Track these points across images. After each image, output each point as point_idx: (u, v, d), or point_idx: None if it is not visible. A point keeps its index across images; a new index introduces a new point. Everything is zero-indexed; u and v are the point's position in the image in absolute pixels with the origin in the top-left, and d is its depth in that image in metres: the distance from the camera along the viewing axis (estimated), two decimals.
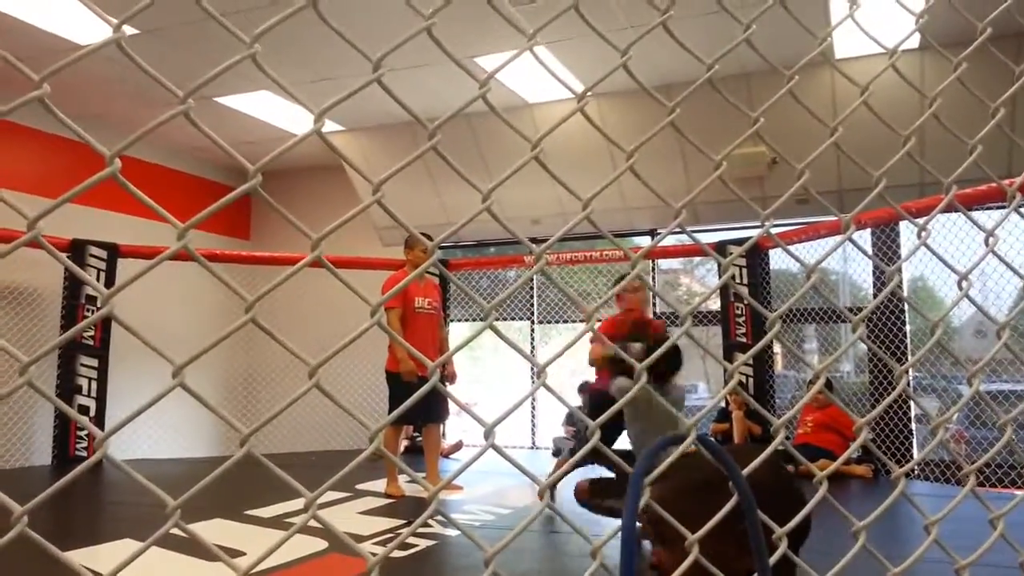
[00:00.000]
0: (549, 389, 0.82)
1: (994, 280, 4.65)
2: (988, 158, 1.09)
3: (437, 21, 0.74)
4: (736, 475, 0.77)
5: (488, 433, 0.76)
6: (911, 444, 6.39)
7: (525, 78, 6.55)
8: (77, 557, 0.61)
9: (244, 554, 3.26)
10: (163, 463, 6.45)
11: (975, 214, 1.11)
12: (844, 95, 6.06)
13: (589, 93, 0.87)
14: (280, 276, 0.75)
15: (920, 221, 1.02)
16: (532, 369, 8.60)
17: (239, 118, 7.51)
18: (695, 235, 0.97)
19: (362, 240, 8.47)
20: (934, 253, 1.03)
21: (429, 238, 4.09)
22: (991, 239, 0.98)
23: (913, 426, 6.53)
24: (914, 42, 5.18)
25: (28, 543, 0.57)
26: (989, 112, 1.03)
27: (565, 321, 8.55)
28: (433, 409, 5.03)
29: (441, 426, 8.00)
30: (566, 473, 0.78)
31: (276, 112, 7.48)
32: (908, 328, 6.68)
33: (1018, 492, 4.88)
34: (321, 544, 3.54)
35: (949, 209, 1.00)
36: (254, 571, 0.63)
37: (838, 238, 1.16)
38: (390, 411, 5.02)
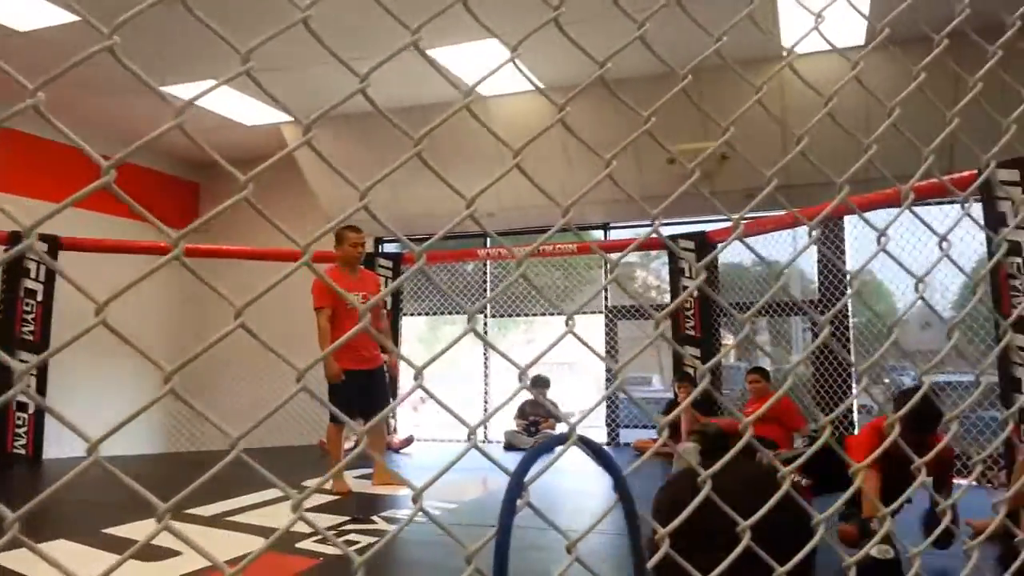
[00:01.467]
0: (531, 390, 0.82)
1: (942, 273, 4.82)
2: (903, 159, 1.13)
3: (313, 13, 0.73)
4: (619, 475, 0.77)
5: (470, 434, 0.77)
6: (853, 434, 6.58)
7: (478, 72, 6.52)
8: (7, 561, 0.58)
9: (180, 554, 3.18)
10: (105, 460, 6.25)
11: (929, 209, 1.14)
12: (792, 90, 6.18)
13: (523, 87, 0.87)
14: (223, 267, 0.73)
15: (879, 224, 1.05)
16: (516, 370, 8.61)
17: (190, 109, 7.33)
18: (642, 228, 0.98)
19: (312, 231, 8.33)
20: (893, 258, 1.06)
21: (357, 230, 4.16)
22: (945, 243, 1.01)
23: (856, 417, 6.73)
24: (859, 38, 5.31)
25: None
26: (947, 115, 1.06)
27: (522, 315, 8.57)
28: (375, 402, 4.95)
29: (392, 421, 7.97)
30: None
31: (223, 101, 7.32)
32: (852, 320, 6.87)
33: (962, 481, 5.07)
34: (256, 542, 3.43)
35: (890, 203, 1.02)
36: (190, 572, 0.61)
37: (787, 232, 1.20)
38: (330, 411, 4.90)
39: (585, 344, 0.91)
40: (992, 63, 1.08)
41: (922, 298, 1.00)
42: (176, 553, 3.21)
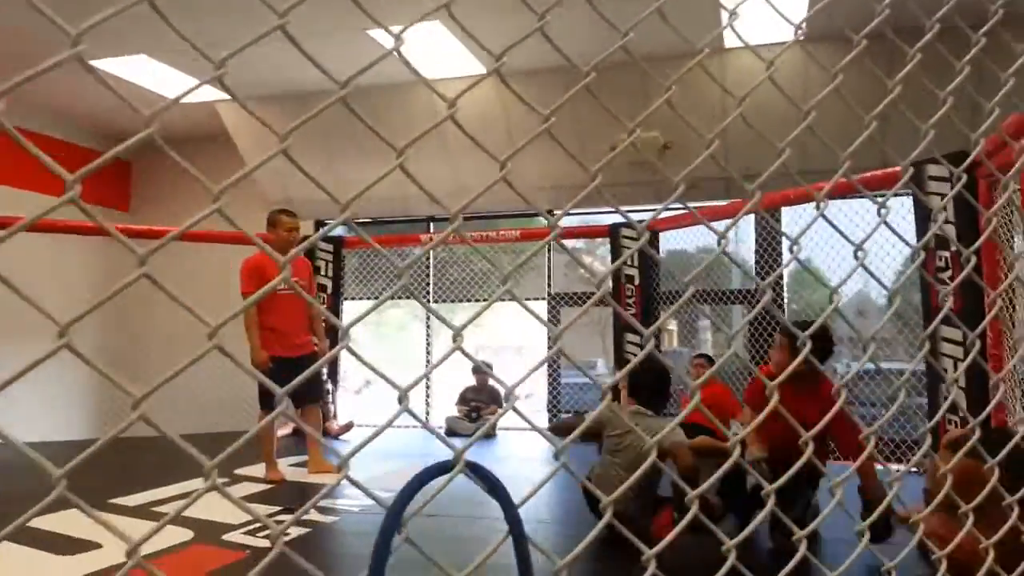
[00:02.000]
0: (465, 352, 0.80)
1: (874, 263, 4.99)
2: (862, 153, 1.16)
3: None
4: (509, 503, 0.75)
5: (401, 397, 0.73)
6: None
7: (422, 54, 6.45)
8: None
9: (100, 547, 3.03)
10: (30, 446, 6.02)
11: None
12: (734, 83, 6.29)
13: (474, 71, 0.86)
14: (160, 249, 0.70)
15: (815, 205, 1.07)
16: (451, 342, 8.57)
17: (115, 82, 7.04)
18: (589, 215, 0.98)
19: (253, 216, 8.14)
20: (832, 224, 1.08)
21: (291, 214, 4.11)
22: (860, 252, 1.04)
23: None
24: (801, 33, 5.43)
25: None
26: (864, 118, 1.09)
27: (466, 300, 8.55)
28: (307, 388, 4.83)
29: (331, 407, 7.87)
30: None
31: (154, 77, 7.07)
32: (787, 307, 7.07)
33: (897, 466, 5.29)
34: (186, 535, 3.36)
35: (840, 192, 1.05)
36: (111, 565, 0.59)
37: (727, 222, 1.22)
38: (259, 395, 4.83)
39: (522, 304, 0.90)
40: (911, 66, 1.12)
41: (863, 265, 1.03)
42: (97, 545, 3.07)
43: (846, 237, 1.06)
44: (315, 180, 0.75)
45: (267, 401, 4.75)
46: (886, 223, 1.07)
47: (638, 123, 0.91)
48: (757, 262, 7.05)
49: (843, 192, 4.32)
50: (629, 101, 0.84)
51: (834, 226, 1.10)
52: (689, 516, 0.82)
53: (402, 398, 0.71)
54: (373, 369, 0.81)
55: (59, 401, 7.09)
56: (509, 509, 0.72)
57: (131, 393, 0.58)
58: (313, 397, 5.16)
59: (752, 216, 6.63)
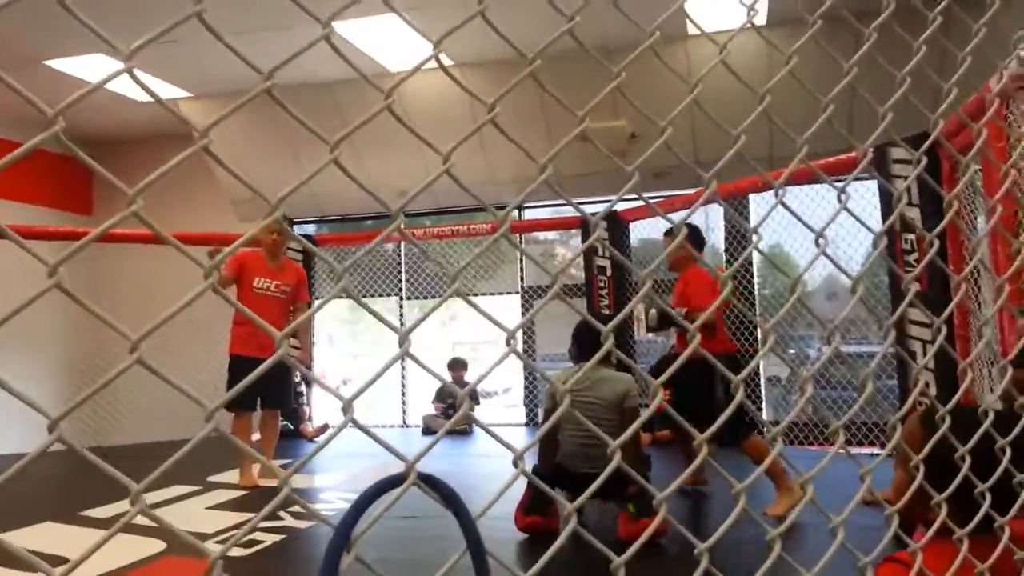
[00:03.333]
0: (412, 358, 0.76)
1: (843, 247, 5.06)
2: (831, 137, 1.16)
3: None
4: (466, 517, 0.72)
5: (346, 408, 0.69)
6: (760, 406, 6.87)
7: (386, 47, 6.39)
8: None
9: (68, 560, 2.91)
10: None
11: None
12: (699, 69, 6.30)
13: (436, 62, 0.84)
14: (119, 254, 0.68)
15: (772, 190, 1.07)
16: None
17: (71, 82, 6.88)
18: (556, 207, 0.97)
19: (216, 214, 8.03)
20: (791, 212, 1.08)
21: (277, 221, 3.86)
22: (821, 240, 1.05)
23: (763, 390, 7.02)
24: (762, 19, 5.47)
25: None
26: (818, 105, 1.10)
27: (437, 296, 8.51)
28: (271, 393, 4.80)
29: (306, 409, 7.78)
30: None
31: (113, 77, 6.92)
32: (758, 292, 7.14)
33: (864, 449, 5.37)
34: (158, 545, 3.27)
35: (800, 178, 1.05)
36: (89, 574, 0.57)
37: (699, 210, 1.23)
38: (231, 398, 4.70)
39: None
40: (867, 47, 1.12)
41: (824, 253, 1.04)
42: (65, 559, 2.93)
43: (807, 225, 1.07)
44: (237, 174, 0.73)
45: (236, 402, 4.60)
46: (847, 209, 1.07)
47: (586, 112, 0.90)
48: (727, 250, 7.12)
49: (809, 178, 4.37)
50: (597, 89, 0.83)
51: (794, 214, 1.11)
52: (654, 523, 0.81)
53: (346, 409, 0.68)
54: (315, 379, 0.79)
55: (29, 411, 6.93)
56: (467, 524, 0.68)
57: (47, 415, 0.56)
58: (273, 402, 5.01)
59: (721, 205, 6.67)
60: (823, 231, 1.04)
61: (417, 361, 0.72)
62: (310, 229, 9.05)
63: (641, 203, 7.15)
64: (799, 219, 1.10)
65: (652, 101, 1.02)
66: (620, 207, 7.46)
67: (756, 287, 7.14)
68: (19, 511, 4.05)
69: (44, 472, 4.78)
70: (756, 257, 6.85)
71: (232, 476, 4.94)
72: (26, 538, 3.55)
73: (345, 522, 0.61)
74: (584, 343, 4.00)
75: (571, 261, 8.70)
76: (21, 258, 0.63)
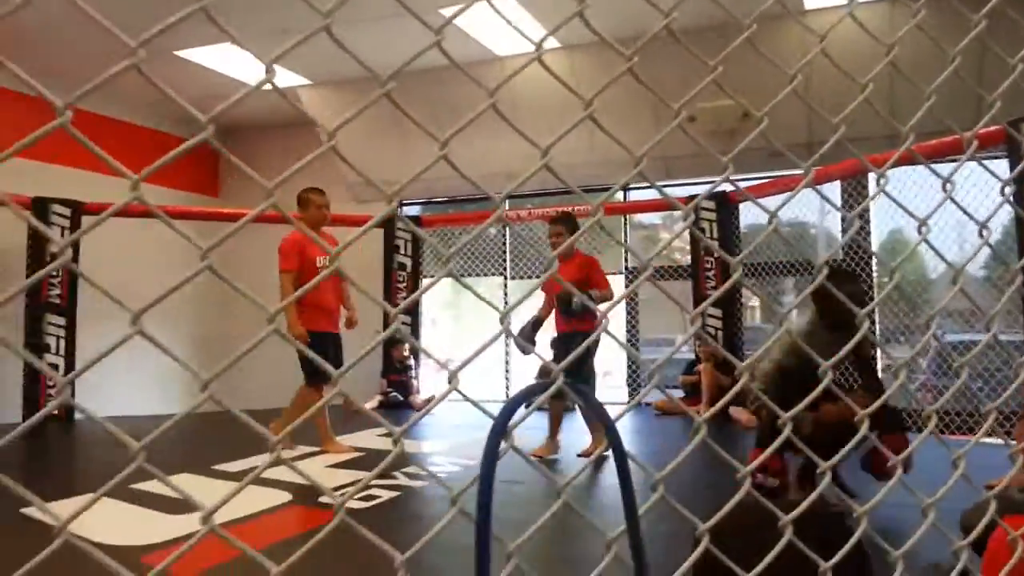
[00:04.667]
0: (512, 335, 0.81)
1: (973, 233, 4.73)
2: (954, 109, 1.10)
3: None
4: (605, 417, 0.77)
5: (451, 378, 0.76)
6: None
7: (494, 31, 6.45)
8: (40, 514, 0.61)
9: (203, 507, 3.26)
10: (134, 419, 6.43)
11: (942, 166, 1.12)
12: (815, 45, 6.01)
13: (546, 44, 0.85)
14: (241, 231, 0.74)
15: (880, 171, 1.03)
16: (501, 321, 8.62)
17: (200, 71, 7.31)
18: (664, 188, 0.98)
19: (333, 196, 8.34)
20: (893, 199, 1.04)
21: (321, 192, 4.19)
22: (948, 185, 1.00)
23: (880, 376, 6.69)
24: None
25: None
26: (948, 61, 1.04)
27: (540, 276, 8.56)
28: (338, 367, 4.95)
29: (414, 382, 8.04)
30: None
31: (238, 65, 7.30)
32: (876, 281, 6.79)
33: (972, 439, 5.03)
34: (284, 496, 3.58)
35: (907, 160, 1.01)
36: (222, 519, 0.63)
37: (807, 190, 1.19)
38: (302, 368, 4.87)
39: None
40: (976, 32, 1.05)
41: (926, 240, 0.99)
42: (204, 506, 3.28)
43: (908, 212, 1.02)
44: (354, 167, 0.76)
45: (317, 375, 4.86)
46: (952, 199, 1.02)
47: (685, 102, 0.89)
48: (844, 231, 6.79)
49: (936, 154, 4.09)
50: (702, 71, 0.82)
51: (896, 201, 1.06)
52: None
53: (451, 379, 0.75)
54: (423, 350, 0.83)
55: (166, 377, 7.49)
56: (606, 422, 0.76)
57: (199, 376, 0.62)
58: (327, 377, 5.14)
59: (838, 185, 6.38)
60: (926, 220, 1.00)
61: (512, 336, 0.75)
62: (416, 210, 9.28)
63: (752, 183, 6.93)
64: (902, 207, 1.05)
65: (766, 78, 1.00)
66: (729, 188, 7.26)
67: (875, 275, 6.79)
68: (158, 464, 4.43)
69: (175, 431, 5.15)
70: (875, 245, 6.52)
71: (349, 439, 5.26)
72: (167, 488, 3.86)
73: (503, 414, 0.71)
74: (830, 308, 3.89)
75: (660, 250, 8.55)
76: (158, 237, 0.70)
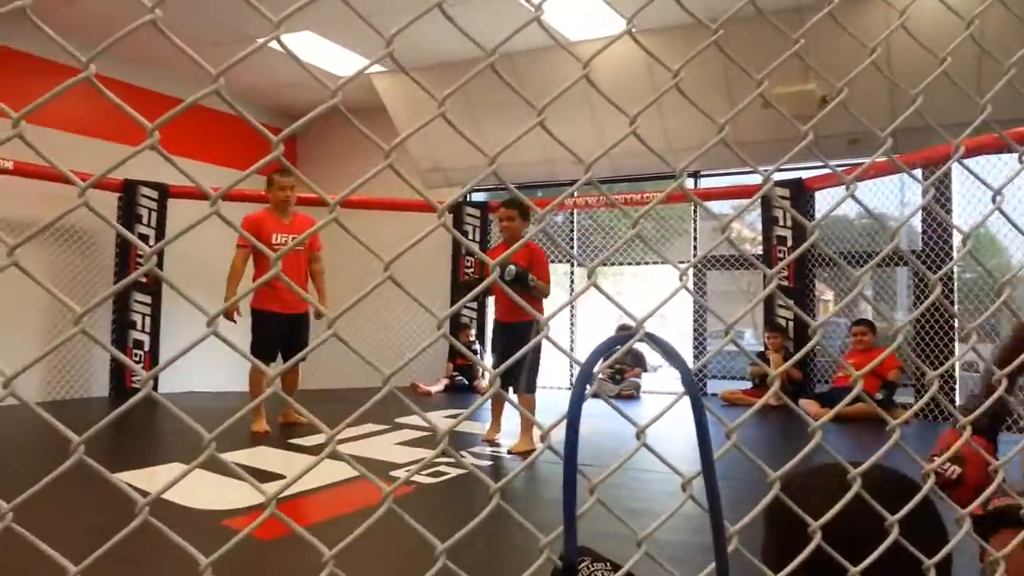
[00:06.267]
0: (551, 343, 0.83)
1: None
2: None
3: None
4: (684, 367, 0.79)
5: (492, 380, 0.82)
6: (953, 391, 6.30)
7: (567, 16, 6.41)
8: (132, 478, 0.66)
9: (284, 477, 3.43)
10: (213, 395, 6.71)
11: None
12: (897, 32, 5.77)
13: (617, 31, 0.85)
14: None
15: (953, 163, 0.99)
16: (571, 312, 8.62)
17: (282, 60, 7.48)
18: (738, 175, 0.96)
19: (403, 184, 8.47)
20: (1007, 217, 1.00)
21: (286, 174, 4.28)
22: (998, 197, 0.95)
23: (957, 373, 6.42)
24: None
25: (84, 468, 0.62)
26: None
27: (608, 264, 8.51)
28: (294, 348, 4.99)
29: (479, 369, 8.11)
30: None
31: (319, 53, 7.45)
32: (957, 277, 6.50)
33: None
34: (360, 467, 3.72)
35: (996, 146, 0.97)
36: (294, 491, 0.67)
37: (892, 178, 1.15)
38: (252, 348, 5.02)
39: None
40: None
41: (1000, 210, 0.95)
42: (281, 476, 3.51)
43: (983, 181, 0.97)
44: (463, 134, 0.78)
45: (257, 354, 4.91)
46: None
47: (764, 76, 0.88)
48: (924, 219, 6.51)
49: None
50: (782, 53, 0.80)
51: (975, 175, 1.01)
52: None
53: (492, 381, 0.80)
54: (467, 354, 0.85)
55: (234, 360, 7.76)
56: (685, 372, 0.78)
57: (206, 311, 0.65)
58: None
59: (920, 174, 6.11)
60: (1000, 189, 0.95)
61: (450, 339, 0.77)
62: (483, 197, 9.33)
63: (828, 171, 6.71)
64: (1014, 225, 1.01)
65: (845, 65, 0.97)
66: (806, 175, 7.05)
67: (956, 271, 6.50)
68: (238, 438, 4.76)
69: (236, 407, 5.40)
70: (956, 240, 6.23)
71: (414, 419, 5.34)
72: (247, 458, 4.20)
73: (588, 361, 0.77)
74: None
75: (719, 242, 8.37)
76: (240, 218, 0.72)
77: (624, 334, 0.81)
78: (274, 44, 0.67)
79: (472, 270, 8.50)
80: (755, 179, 7.51)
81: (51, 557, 0.60)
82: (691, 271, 0.85)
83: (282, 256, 0.68)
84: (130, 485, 0.65)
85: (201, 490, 3.19)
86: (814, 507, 0.80)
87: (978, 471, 1.53)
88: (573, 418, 0.74)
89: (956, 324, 5.95)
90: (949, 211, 6.07)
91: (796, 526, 0.79)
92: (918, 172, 6.04)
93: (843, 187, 0.95)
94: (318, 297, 5.27)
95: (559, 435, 0.76)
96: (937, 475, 1.30)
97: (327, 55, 7.51)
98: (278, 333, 5.03)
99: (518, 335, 4.54)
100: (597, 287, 0.83)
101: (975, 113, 0.97)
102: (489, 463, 4.39)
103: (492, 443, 4.90)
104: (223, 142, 8.18)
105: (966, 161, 0.96)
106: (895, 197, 6.77)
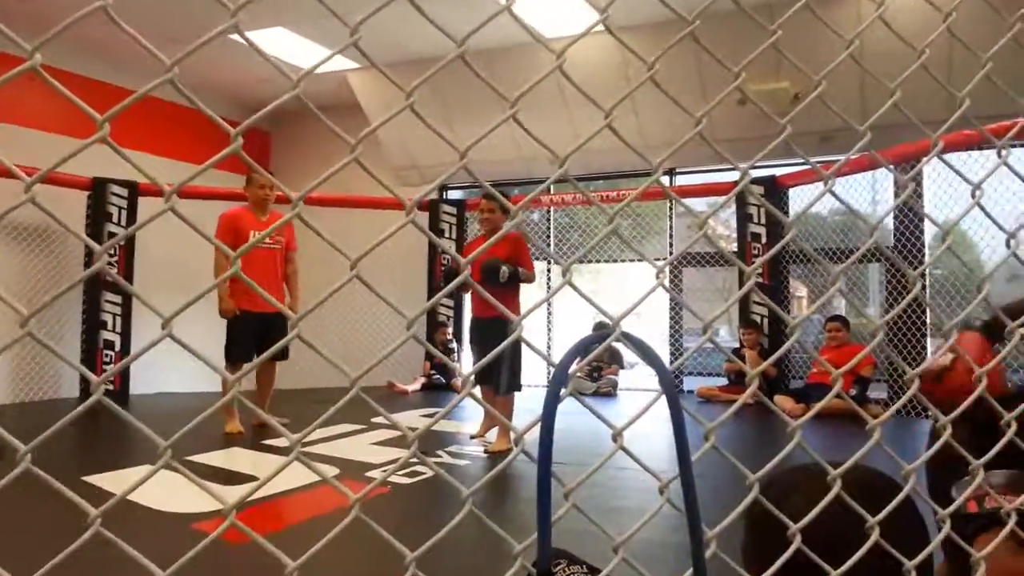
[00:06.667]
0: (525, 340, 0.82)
1: None
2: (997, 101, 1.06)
3: None
4: (660, 366, 0.78)
5: (464, 383, 0.80)
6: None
7: (542, 11, 6.40)
8: (102, 481, 0.64)
9: (256, 479, 3.40)
10: (185, 396, 6.62)
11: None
12: (870, 28, 5.84)
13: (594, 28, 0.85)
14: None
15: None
16: (547, 310, 8.63)
17: (254, 55, 7.39)
18: (712, 172, 0.96)
19: (380, 177, 8.43)
20: (946, 163, 1.01)
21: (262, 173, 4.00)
22: (1003, 151, 0.96)
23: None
24: None
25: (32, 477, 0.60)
26: (1006, 28, 1.00)
27: (585, 261, 8.53)
28: (268, 346, 4.96)
29: (457, 365, 8.10)
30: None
31: (291, 49, 7.37)
32: (928, 272, 6.60)
33: None
34: (332, 471, 3.75)
35: (968, 141, 0.97)
36: (268, 493, 0.65)
37: (863, 175, 1.16)
38: (225, 347, 5.05)
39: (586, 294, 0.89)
40: None
41: (1015, 255, 0.96)
42: (253, 477, 3.49)
43: (961, 175, 0.98)
44: (431, 126, 0.77)
45: (231, 353, 5.02)
46: (1008, 165, 0.98)
47: (742, 67, 0.87)
48: (896, 216, 6.61)
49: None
50: (755, 50, 0.80)
51: (949, 165, 1.02)
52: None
53: (464, 384, 0.79)
54: (437, 355, 0.84)
55: (214, 357, 7.67)
56: (661, 371, 0.77)
57: (160, 314, 0.63)
58: (283, 356, 5.02)
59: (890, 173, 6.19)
60: (980, 184, 0.96)
61: (419, 340, 0.76)
62: (459, 195, 9.31)
63: (801, 168, 6.78)
64: (993, 220, 1.02)
65: (817, 63, 0.97)
66: (779, 172, 7.12)
67: (927, 269, 6.60)
68: (208, 438, 4.70)
69: (222, 409, 5.36)
70: (928, 236, 6.33)
71: (396, 419, 5.33)
72: (220, 460, 4.17)
73: (563, 362, 0.74)
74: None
75: (697, 237, 8.42)
76: (212, 214, 0.71)
77: (600, 333, 0.80)
78: (238, 38, 0.65)
79: (447, 265, 8.49)
80: (729, 176, 7.56)
81: None
82: (667, 269, 0.84)
83: (242, 255, 0.66)
84: (99, 488, 0.63)
85: (171, 493, 3.14)
86: (797, 508, 0.79)
87: (969, 365, 1.47)
88: (547, 420, 0.72)
89: (928, 319, 6.04)
90: (921, 207, 6.16)
91: (777, 528, 0.78)
92: (889, 174, 6.12)
93: (816, 185, 0.95)
94: (291, 298, 5.27)
95: (535, 435, 0.75)
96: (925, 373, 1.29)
97: (300, 52, 7.44)
98: (253, 332, 4.98)
99: (498, 329, 4.52)
100: (572, 285, 0.82)
101: (947, 110, 0.97)
102: (466, 463, 4.37)
103: (483, 440, 4.91)
104: (189, 139, 8.08)
105: (943, 157, 0.97)
106: (867, 195, 6.86)
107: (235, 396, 0.71)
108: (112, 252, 7.19)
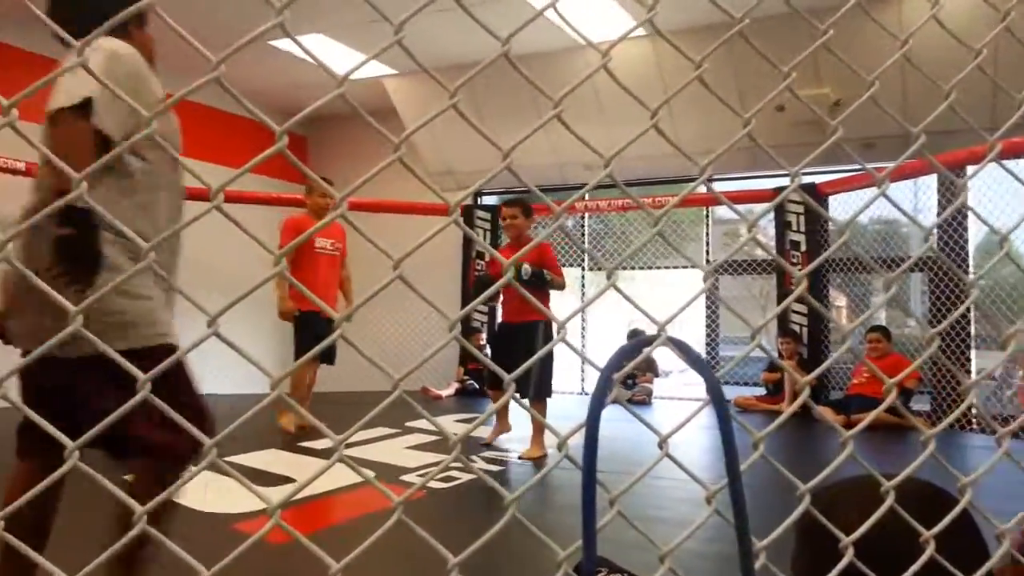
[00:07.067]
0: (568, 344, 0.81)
1: None
2: None
3: None
4: (707, 372, 0.77)
5: (507, 385, 0.79)
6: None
7: (579, 18, 6.40)
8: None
9: (295, 480, 3.44)
10: (229, 398, 6.72)
11: None
12: (915, 34, 5.72)
13: (631, 33, 0.84)
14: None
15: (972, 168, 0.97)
16: (581, 317, 8.59)
17: (292, 62, 7.53)
18: (750, 179, 0.95)
19: (413, 184, 8.50)
20: (1007, 168, 0.98)
21: (330, 183, 4.29)
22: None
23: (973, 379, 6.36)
24: None
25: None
26: None
27: (621, 268, 8.49)
28: (328, 351, 4.95)
29: None
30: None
31: (329, 55, 7.47)
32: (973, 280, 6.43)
33: None
34: (369, 473, 3.70)
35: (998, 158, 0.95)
36: (307, 494, 0.66)
37: (905, 183, 1.13)
38: (297, 349, 5.18)
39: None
40: None
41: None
42: (290, 479, 3.53)
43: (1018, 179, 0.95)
44: (475, 125, 0.77)
45: (300, 355, 5.13)
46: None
47: (792, 67, 0.86)
48: (940, 226, 6.46)
49: None
50: (797, 55, 0.78)
51: (1016, 176, 0.99)
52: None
53: (507, 386, 0.79)
54: (479, 357, 0.84)
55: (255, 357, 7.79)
56: (709, 378, 0.76)
57: (207, 312, 0.64)
58: (327, 359, 5.19)
59: (935, 179, 6.06)
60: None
61: (461, 341, 0.76)
62: (494, 200, 9.33)
63: (841, 175, 6.66)
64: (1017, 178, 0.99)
65: (861, 67, 0.96)
66: (819, 179, 7.01)
67: (972, 277, 6.44)
68: (250, 440, 4.77)
69: (266, 410, 5.41)
70: (972, 244, 6.19)
71: (424, 423, 5.36)
72: (257, 461, 4.22)
73: (609, 367, 0.74)
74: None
75: (746, 240, 8.30)
76: (244, 218, 0.72)
77: (646, 337, 0.79)
78: (281, 44, 0.66)
79: (482, 270, 8.51)
80: (767, 184, 7.46)
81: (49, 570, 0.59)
82: (715, 275, 0.83)
83: (286, 254, 0.68)
84: None
85: (213, 493, 3.19)
86: (852, 521, 0.77)
87: None
88: (592, 425, 0.71)
89: (972, 331, 5.89)
90: (965, 215, 6.02)
91: (830, 540, 0.77)
92: (934, 177, 6.00)
93: (857, 193, 0.93)
94: (346, 303, 5.47)
95: (574, 441, 0.75)
96: None
97: (339, 59, 7.53)
98: (322, 334, 5.05)
99: (526, 336, 4.52)
100: (617, 289, 0.81)
101: (990, 117, 0.95)
102: (499, 468, 4.38)
103: (490, 446, 4.91)
104: (231, 144, 8.22)
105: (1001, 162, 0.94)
106: (909, 203, 6.72)
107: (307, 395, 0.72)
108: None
